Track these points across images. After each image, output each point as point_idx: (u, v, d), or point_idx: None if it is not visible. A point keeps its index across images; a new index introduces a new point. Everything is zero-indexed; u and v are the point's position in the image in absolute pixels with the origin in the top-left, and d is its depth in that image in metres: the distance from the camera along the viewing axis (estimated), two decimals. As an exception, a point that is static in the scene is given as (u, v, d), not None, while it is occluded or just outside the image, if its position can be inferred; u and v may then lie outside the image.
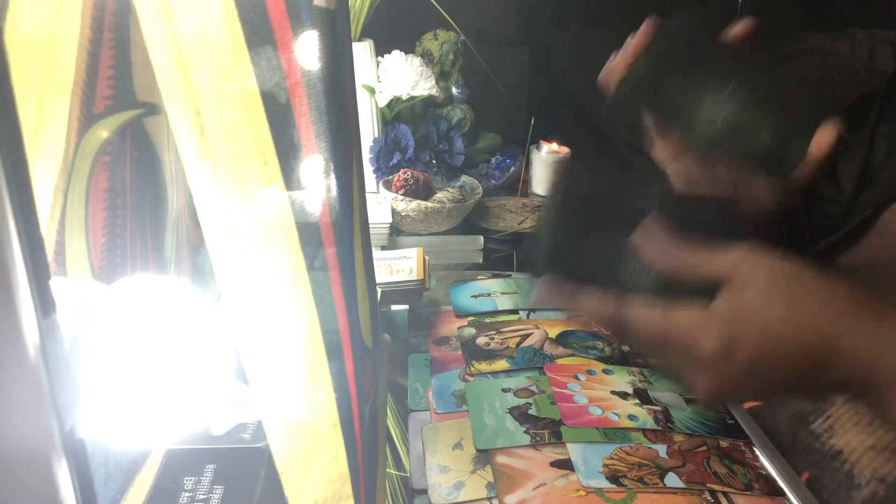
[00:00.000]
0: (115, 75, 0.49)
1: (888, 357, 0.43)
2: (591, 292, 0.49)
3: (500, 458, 0.60)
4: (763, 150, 0.54)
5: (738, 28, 0.55)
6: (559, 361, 0.73)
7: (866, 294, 0.46)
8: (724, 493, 0.57)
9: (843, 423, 0.62)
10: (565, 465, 0.59)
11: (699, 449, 0.62)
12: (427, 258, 0.90)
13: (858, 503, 0.57)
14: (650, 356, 0.53)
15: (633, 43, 0.56)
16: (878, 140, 0.72)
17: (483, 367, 0.73)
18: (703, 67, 0.56)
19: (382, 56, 1.25)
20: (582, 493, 0.56)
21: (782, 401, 0.63)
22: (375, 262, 0.87)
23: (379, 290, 0.83)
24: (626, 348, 0.76)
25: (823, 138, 0.52)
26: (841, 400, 0.66)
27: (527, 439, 0.62)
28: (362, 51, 1.22)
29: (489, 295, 0.89)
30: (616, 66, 0.57)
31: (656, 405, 0.67)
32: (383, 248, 1.08)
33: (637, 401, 0.67)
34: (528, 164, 1.33)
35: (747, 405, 0.71)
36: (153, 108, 0.54)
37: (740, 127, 0.54)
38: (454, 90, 1.34)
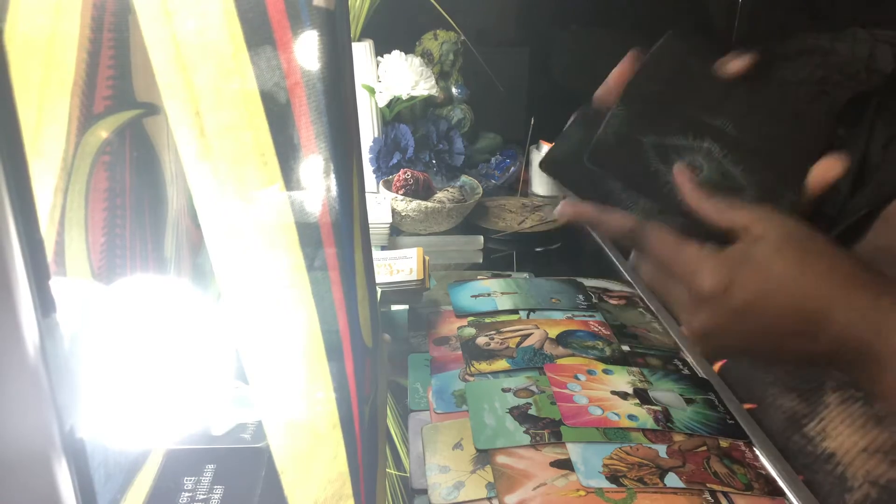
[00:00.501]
0: (114, 75, 0.49)
1: (882, 333, 0.43)
2: (614, 210, 0.52)
3: (500, 458, 0.60)
4: (754, 195, 0.52)
5: (734, 64, 0.52)
6: (559, 361, 0.73)
7: (872, 271, 0.46)
8: (724, 493, 0.57)
9: (836, 425, 0.62)
10: (565, 465, 0.59)
11: (699, 449, 0.62)
12: (427, 258, 0.90)
13: None
14: (654, 283, 0.54)
15: (615, 75, 0.54)
16: (875, 139, 0.72)
17: (483, 367, 0.73)
18: (691, 104, 0.53)
19: (382, 56, 1.25)
20: (582, 493, 0.56)
21: (769, 362, 0.61)
22: (375, 262, 0.87)
23: (379, 290, 0.83)
24: (626, 348, 0.76)
25: (826, 172, 0.51)
26: (834, 402, 0.66)
27: (527, 439, 0.62)
28: (362, 51, 1.22)
29: (489, 295, 0.89)
30: (601, 96, 0.55)
31: (656, 405, 0.67)
32: (383, 248, 1.08)
33: (637, 401, 0.67)
34: (527, 164, 1.33)
35: (746, 406, 0.71)
36: (153, 109, 0.54)
37: (730, 172, 0.53)
38: (454, 90, 1.34)
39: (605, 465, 0.59)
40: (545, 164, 0.56)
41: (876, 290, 0.44)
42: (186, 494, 0.50)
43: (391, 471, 0.62)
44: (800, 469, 0.61)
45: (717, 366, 0.77)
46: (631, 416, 0.65)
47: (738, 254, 0.48)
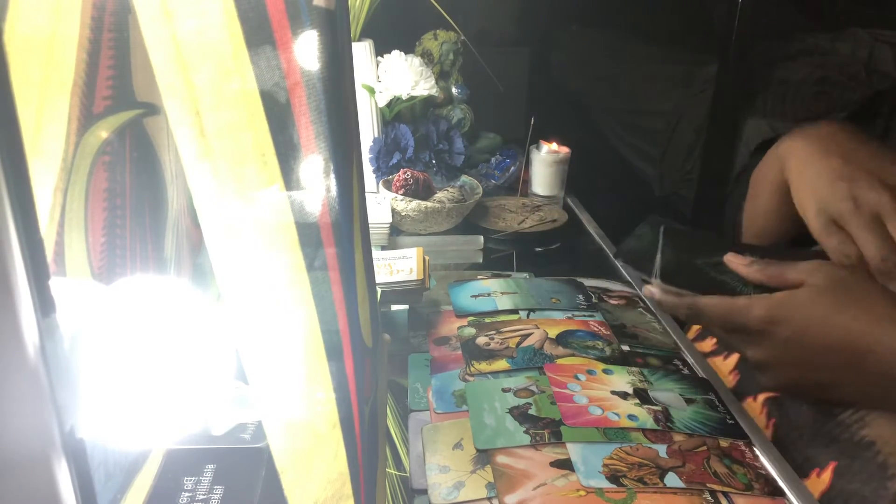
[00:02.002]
0: (114, 75, 0.49)
1: None
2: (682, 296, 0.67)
3: (500, 458, 0.60)
4: None
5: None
6: (559, 361, 0.73)
7: None
8: (724, 493, 0.57)
9: (875, 415, 0.61)
10: (565, 465, 0.59)
11: (699, 449, 0.62)
12: (427, 258, 0.90)
13: (894, 493, 0.55)
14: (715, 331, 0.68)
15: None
16: (888, 140, 0.72)
17: (483, 367, 0.73)
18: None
19: (382, 56, 1.25)
20: (582, 492, 0.56)
21: (828, 398, 0.63)
22: (375, 262, 0.87)
23: (379, 290, 0.83)
24: (626, 348, 0.76)
25: None
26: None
27: (527, 439, 0.62)
28: (362, 51, 1.22)
29: (489, 295, 0.89)
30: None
31: (656, 405, 0.67)
32: (383, 248, 1.08)
33: (637, 401, 0.67)
34: (527, 163, 1.33)
35: (768, 395, 0.71)
36: (153, 109, 0.54)
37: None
38: (454, 90, 1.34)
39: (605, 465, 0.59)
40: (622, 256, 0.75)
41: None
42: (186, 494, 0.50)
43: (391, 471, 0.62)
44: (833, 456, 0.60)
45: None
46: (631, 416, 0.65)
47: (785, 296, 0.58)
